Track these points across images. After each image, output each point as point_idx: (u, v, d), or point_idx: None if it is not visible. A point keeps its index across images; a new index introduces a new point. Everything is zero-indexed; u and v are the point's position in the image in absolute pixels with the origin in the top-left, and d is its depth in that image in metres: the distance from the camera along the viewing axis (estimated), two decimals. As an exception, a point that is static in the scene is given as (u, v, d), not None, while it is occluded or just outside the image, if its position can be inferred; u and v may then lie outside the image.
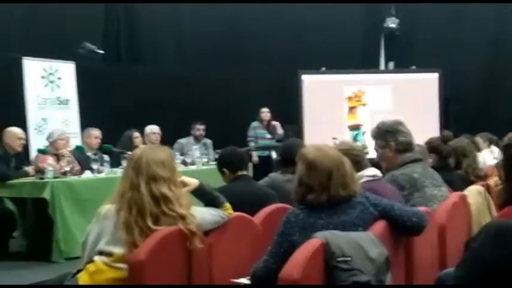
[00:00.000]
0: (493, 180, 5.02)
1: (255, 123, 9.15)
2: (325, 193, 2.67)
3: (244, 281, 2.79)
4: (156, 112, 8.91)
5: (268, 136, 9.02)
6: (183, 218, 2.72)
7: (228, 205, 3.06)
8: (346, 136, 8.39)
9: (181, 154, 7.80)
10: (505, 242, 1.68)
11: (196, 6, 9.83)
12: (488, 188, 4.62)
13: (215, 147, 8.50)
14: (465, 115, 9.57)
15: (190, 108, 9.32)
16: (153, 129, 7.93)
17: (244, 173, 3.96)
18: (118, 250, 2.66)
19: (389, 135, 3.83)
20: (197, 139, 8.72)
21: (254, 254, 2.92)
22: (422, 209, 3.10)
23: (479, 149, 6.18)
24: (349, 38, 10.05)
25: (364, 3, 10.23)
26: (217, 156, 7.96)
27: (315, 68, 9.09)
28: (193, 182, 2.99)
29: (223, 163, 4.01)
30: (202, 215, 2.89)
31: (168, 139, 7.50)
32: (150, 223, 2.65)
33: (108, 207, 2.77)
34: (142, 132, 7.78)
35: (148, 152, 2.86)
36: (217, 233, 2.94)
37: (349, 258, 2.43)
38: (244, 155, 4.22)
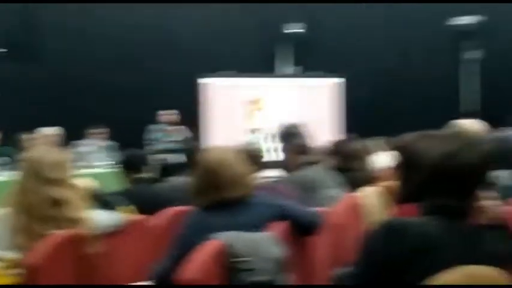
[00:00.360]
0: (390, 182, 5.23)
1: (154, 126, 9.04)
2: (227, 193, 2.69)
3: (144, 284, 2.76)
4: (56, 114, 8.62)
5: (168, 139, 8.94)
6: (78, 221, 2.65)
7: (125, 207, 3.01)
8: (246, 139, 8.44)
9: (83, 157, 7.59)
10: (395, 240, 1.74)
11: (97, 6, 9.58)
12: (385, 189, 4.80)
13: (117, 150, 8.35)
14: (368, 120, 9.90)
15: (91, 111, 9.07)
16: (51, 131, 7.68)
17: (145, 175, 3.91)
18: (12, 255, 2.56)
19: (286, 137, 3.92)
20: (99, 142, 8.53)
21: (154, 257, 2.88)
22: (319, 209, 3.18)
23: (377, 152, 6.40)
24: (252, 42, 10.14)
25: (267, 8, 10.35)
26: (119, 159, 7.89)
27: (215, 72, 9.10)
28: (88, 184, 2.93)
29: (124, 166, 3.95)
30: (99, 218, 2.82)
31: (68, 142, 7.29)
32: (45, 227, 2.56)
33: (0, 212, 2.66)
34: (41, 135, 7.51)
35: (42, 154, 2.76)
36: (116, 236, 2.88)
37: (248, 259, 2.46)
38: (145, 157, 4.17)
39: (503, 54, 10.22)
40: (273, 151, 8.45)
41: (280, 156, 4.06)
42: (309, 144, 3.93)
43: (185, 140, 8.05)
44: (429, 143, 1.88)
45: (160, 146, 8.53)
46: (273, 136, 8.46)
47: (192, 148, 3.63)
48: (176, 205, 3.50)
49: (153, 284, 2.70)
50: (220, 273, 2.44)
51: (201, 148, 2.97)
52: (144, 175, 3.87)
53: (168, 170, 6.92)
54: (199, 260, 2.35)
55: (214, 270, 2.39)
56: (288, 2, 10.42)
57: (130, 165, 3.89)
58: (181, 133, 9.01)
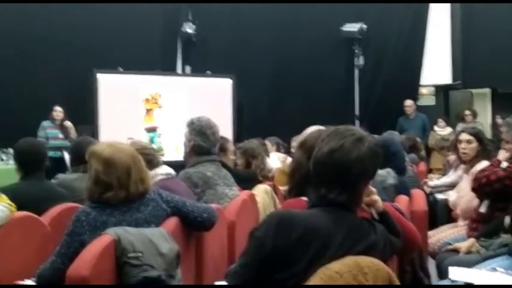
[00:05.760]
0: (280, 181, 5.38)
1: (45, 123, 8.73)
2: (124, 190, 2.65)
3: (30, 282, 2.67)
4: None
5: (61, 136, 8.67)
6: None
7: (3, 196, 2.89)
8: (143, 138, 8.35)
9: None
10: (283, 231, 1.79)
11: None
12: (274, 188, 4.93)
13: (3, 145, 8.00)
14: (256, 120, 10.06)
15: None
16: None
17: (37, 171, 3.74)
18: None
19: (192, 134, 3.91)
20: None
21: (42, 255, 2.79)
22: (213, 205, 3.21)
23: (267, 152, 6.53)
24: (148, 40, 10.04)
25: (165, 8, 10.29)
26: (3, 156, 7.56)
27: (112, 68, 8.92)
28: None
29: (15, 160, 3.77)
30: None
31: None
32: None
33: None
34: None
35: None
36: (1, 231, 2.76)
37: (140, 254, 2.44)
38: (39, 152, 3.94)
39: (382, 62, 10.74)
40: (170, 149, 8.43)
41: (177, 154, 4.03)
42: (210, 149, 3.93)
43: (77, 137, 7.81)
44: (320, 138, 1.95)
45: (52, 143, 8.25)
46: (171, 134, 8.45)
47: (84, 145, 3.50)
48: (64, 202, 3.40)
49: (38, 283, 2.62)
50: (111, 269, 2.40)
51: (94, 145, 2.89)
52: (36, 170, 3.69)
53: (58, 166, 6.73)
54: (89, 256, 2.30)
55: (104, 266, 2.35)
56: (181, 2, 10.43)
57: (21, 161, 3.71)
58: (74, 130, 8.76)
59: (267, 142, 7.20)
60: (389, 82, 10.61)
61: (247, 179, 4.66)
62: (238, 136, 8.44)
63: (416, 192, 3.92)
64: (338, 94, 10.83)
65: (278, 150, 7.53)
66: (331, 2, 10.26)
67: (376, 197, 2.07)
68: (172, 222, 2.81)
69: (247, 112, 9.91)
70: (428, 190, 6.20)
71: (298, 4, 10.49)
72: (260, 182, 4.81)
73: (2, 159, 7.52)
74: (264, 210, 4.25)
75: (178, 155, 4.37)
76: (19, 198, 3.05)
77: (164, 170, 3.53)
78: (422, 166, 7.41)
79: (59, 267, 2.52)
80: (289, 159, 6.07)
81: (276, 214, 1.89)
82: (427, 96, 10.96)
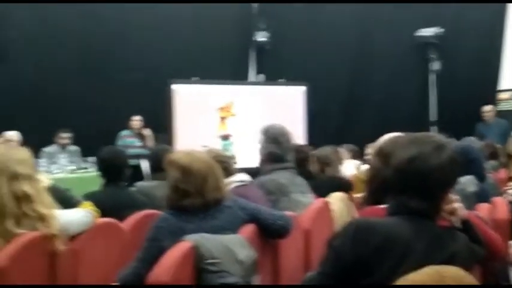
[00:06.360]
0: (356, 189, 5.31)
1: (124, 132, 9.00)
2: (201, 197, 2.70)
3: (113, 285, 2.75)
4: (18, 118, 8.50)
5: (138, 144, 8.90)
6: (45, 218, 2.60)
7: (88, 203, 2.99)
8: (217, 146, 8.46)
9: (50, 162, 7.51)
10: (362, 240, 1.77)
11: (66, 5, 9.46)
12: (350, 196, 4.88)
13: (84, 155, 8.28)
14: (329, 129, 10.01)
15: (56, 115, 8.97)
16: (12, 135, 7.58)
17: (118, 178, 3.86)
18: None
19: (265, 141, 3.93)
20: (63, 147, 8.45)
21: (122, 261, 2.87)
22: (288, 213, 3.21)
23: (342, 159, 6.47)
24: (221, 49, 10.15)
25: (237, 17, 10.40)
26: (86, 164, 7.83)
27: (186, 77, 9.10)
28: (47, 182, 2.91)
29: (98, 168, 3.91)
30: (69, 216, 2.78)
31: (30, 146, 7.14)
32: (11, 226, 2.51)
33: None
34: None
35: (6, 151, 2.71)
36: (84, 238, 2.85)
37: (217, 260, 2.47)
38: (126, 160, 4.07)
39: (459, 67, 10.46)
40: (244, 156, 8.49)
41: (251, 161, 4.06)
42: (283, 155, 3.93)
43: (155, 146, 8.00)
44: (398, 145, 1.92)
45: (131, 152, 8.49)
46: (244, 141, 8.51)
47: (161, 153, 3.59)
48: (144, 209, 3.49)
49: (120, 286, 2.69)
50: (190, 275, 2.44)
51: (171, 153, 2.96)
52: (117, 177, 3.81)
53: (137, 174, 6.91)
54: (169, 262, 2.34)
55: (184, 273, 2.39)
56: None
57: (104, 168, 3.84)
58: (151, 139, 8.98)
59: (342, 149, 7.13)
60: (466, 87, 10.34)
61: (323, 186, 4.61)
62: (312, 143, 8.41)
63: (498, 200, 3.79)
64: (413, 100, 10.64)
65: (353, 157, 7.44)
66: (407, 2, 10.10)
67: (458, 205, 2.02)
68: (249, 229, 2.83)
69: (321, 119, 9.87)
70: (509, 198, 5.96)
71: (372, 11, 10.39)
72: (337, 189, 4.75)
73: (84, 168, 7.79)
74: (339, 219, 4.21)
75: (251, 162, 4.39)
76: (101, 204, 3.16)
77: (239, 177, 3.56)
78: (503, 173, 7.14)
79: (139, 272, 2.58)
80: (363, 167, 5.99)
81: (354, 222, 1.87)
82: (506, 101, 10.60)
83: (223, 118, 9.22)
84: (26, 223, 2.56)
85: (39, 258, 2.59)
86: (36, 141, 7.50)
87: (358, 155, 7.65)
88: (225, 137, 9.07)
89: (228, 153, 4.93)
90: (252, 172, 3.97)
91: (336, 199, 4.41)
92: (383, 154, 2.12)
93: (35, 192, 2.62)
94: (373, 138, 3.25)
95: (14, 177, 2.58)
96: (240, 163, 7.88)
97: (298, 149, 4.45)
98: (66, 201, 2.93)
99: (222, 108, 9.23)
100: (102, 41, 9.51)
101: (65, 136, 8.50)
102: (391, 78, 10.38)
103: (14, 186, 2.57)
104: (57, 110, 9.04)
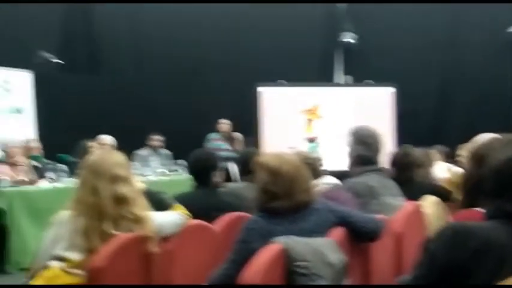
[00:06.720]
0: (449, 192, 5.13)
1: (212, 135, 9.15)
2: (289, 199, 2.70)
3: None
4: (112, 122, 8.84)
5: (226, 147, 9.02)
6: (141, 220, 2.69)
7: (180, 206, 3.05)
8: (303, 148, 8.45)
9: (143, 165, 7.74)
10: (459, 243, 1.72)
11: (156, 14, 9.78)
12: (444, 199, 4.71)
13: (174, 158, 8.48)
14: (419, 130, 9.77)
15: (147, 119, 9.26)
16: (107, 139, 7.86)
17: (208, 180, 3.91)
18: (75, 256, 2.62)
19: (353, 143, 3.88)
20: (154, 150, 8.68)
21: (213, 262, 2.91)
22: (379, 216, 3.15)
23: (433, 162, 6.29)
24: (307, 51, 10.15)
25: (322, 18, 10.36)
26: (176, 167, 8.02)
27: (272, 80, 9.15)
28: (140, 185, 2.99)
29: (189, 170, 3.99)
30: (162, 218, 2.86)
31: (123, 150, 7.39)
32: (109, 228, 2.61)
33: (63, 213, 2.72)
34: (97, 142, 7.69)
35: (104, 154, 2.83)
36: (177, 239, 2.92)
37: (308, 263, 2.46)
38: (211, 162, 4.12)
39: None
40: (331, 159, 8.43)
41: (338, 164, 4.02)
42: (372, 157, 3.87)
43: (243, 148, 8.09)
44: (497, 147, 1.85)
45: (221, 154, 8.63)
46: (331, 144, 8.45)
47: (250, 156, 3.62)
48: (234, 211, 3.53)
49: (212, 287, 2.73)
50: (280, 277, 2.44)
51: (259, 156, 2.97)
52: (207, 179, 3.86)
53: (227, 176, 7.01)
54: (260, 264, 2.36)
55: (274, 275, 2.40)
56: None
57: (194, 171, 3.91)
58: (241, 142, 9.08)
59: (433, 151, 6.93)
60: None
61: (414, 189, 4.49)
62: (401, 145, 8.22)
63: None
64: (505, 100, 10.20)
65: (445, 159, 7.22)
66: (498, 2, 9.72)
67: None
68: (339, 232, 2.79)
69: (411, 120, 9.64)
70: None
71: (460, 9, 10.07)
72: (429, 193, 4.61)
73: (175, 170, 7.98)
74: (433, 223, 4.09)
75: (338, 165, 4.35)
76: (191, 205, 3.22)
77: (327, 180, 3.54)
78: None
79: (230, 273, 2.60)
80: (455, 169, 5.80)
81: (451, 226, 1.81)
82: None
83: (309, 120, 9.20)
84: (123, 225, 2.65)
85: (134, 259, 2.67)
86: (128, 146, 7.83)
87: (450, 157, 7.42)
88: (311, 140, 9.04)
89: (315, 156, 4.91)
90: (339, 175, 3.93)
91: (431, 202, 4.29)
92: (478, 156, 2.05)
93: (132, 194, 2.70)
94: (465, 140, 3.14)
95: (114, 179, 2.68)
96: (326, 166, 7.86)
97: (405, 151, 4.37)
98: (159, 203, 3.00)
99: (308, 111, 9.21)
100: (190, 46, 9.73)
101: (156, 138, 8.73)
102: (482, 77, 10.00)
103: (114, 189, 2.66)
104: (148, 114, 9.33)
